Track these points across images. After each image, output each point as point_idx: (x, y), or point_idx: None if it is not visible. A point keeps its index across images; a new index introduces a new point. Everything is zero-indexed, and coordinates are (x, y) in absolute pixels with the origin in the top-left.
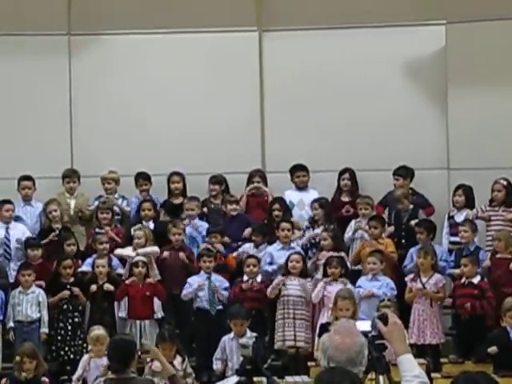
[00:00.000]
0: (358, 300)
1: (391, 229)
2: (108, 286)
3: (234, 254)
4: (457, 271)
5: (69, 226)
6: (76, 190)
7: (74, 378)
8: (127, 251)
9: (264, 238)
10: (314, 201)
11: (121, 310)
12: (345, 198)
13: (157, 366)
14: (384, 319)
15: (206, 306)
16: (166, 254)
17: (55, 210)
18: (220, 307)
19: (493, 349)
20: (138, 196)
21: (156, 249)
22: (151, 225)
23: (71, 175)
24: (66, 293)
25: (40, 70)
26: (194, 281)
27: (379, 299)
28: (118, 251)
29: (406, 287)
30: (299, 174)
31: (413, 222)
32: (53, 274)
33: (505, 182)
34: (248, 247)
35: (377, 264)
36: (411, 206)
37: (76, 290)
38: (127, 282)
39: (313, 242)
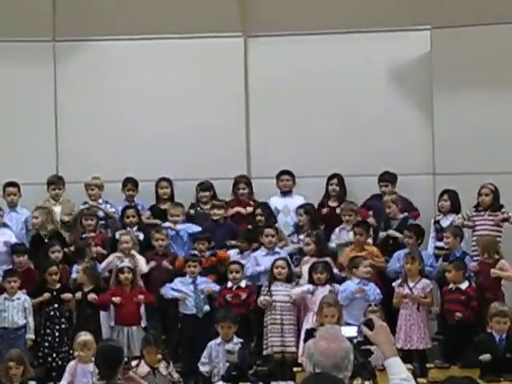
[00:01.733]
0: (346, 302)
1: (382, 235)
2: (92, 296)
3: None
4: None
5: (60, 232)
6: (61, 196)
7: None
8: (110, 257)
9: (249, 244)
10: (299, 207)
11: (110, 319)
12: (333, 203)
13: (141, 371)
14: (370, 325)
15: (193, 311)
16: (152, 263)
17: (36, 217)
18: (207, 308)
19: (486, 356)
20: (122, 203)
21: (144, 268)
22: (140, 235)
23: (56, 182)
24: (48, 295)
25: (25, 76)
26: (178, 282)
27: (367, 303)
28: (103, 264)
29: (393, 292)
30: (283, 177)
31: (391, 232)
32: (39, 280)
33: (492, 187)
34: (233, 254)
35: (368, 268)
36: (401, 215)
37: (68, 295)
38: (114, 299)
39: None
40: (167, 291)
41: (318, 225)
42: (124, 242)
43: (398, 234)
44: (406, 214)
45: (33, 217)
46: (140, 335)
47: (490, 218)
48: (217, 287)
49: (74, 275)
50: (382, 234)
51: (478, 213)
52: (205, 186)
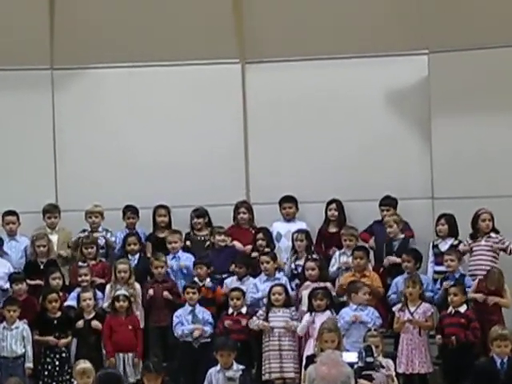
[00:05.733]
0: (343, 330)
1: (386, 262)
2: (96, 324)
3: (223, 289)
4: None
5: (55, 259)
6: (57, 224)
7: None
8: (107, 289)
9: (247, 269)
10: (298, 232)
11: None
12: (332, 229)
13: None
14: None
15: (191, 339)
16: (150, 291)
17: (44, 246)
18: (206, 340)
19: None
20: (123, 230)
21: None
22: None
23: (52, 210)
24: (54, 341)
25: (24, 104)
26: (179, 314)
27: (367, 327)
28: (105, 300)
29: (393, 317)
30: (285, 205)
31: (389, 259)
32: (39, 308)
33: (490, 212)
34: (230, 282)
35: (366, 296)
36: (401, 236)
37: (65, 341)
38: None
39: (295, 272)
40: (181, 330)
41: (312, 250)
42: (123, 271)
43: (398, 260)
44: (403, 235)
45: (40, 245)
46: (136, 362)
47: (488, 244)
48: (210, 318)
49: (70, 302)
50: (386, 261)
51: (475, 239)
52: (199, 213)
